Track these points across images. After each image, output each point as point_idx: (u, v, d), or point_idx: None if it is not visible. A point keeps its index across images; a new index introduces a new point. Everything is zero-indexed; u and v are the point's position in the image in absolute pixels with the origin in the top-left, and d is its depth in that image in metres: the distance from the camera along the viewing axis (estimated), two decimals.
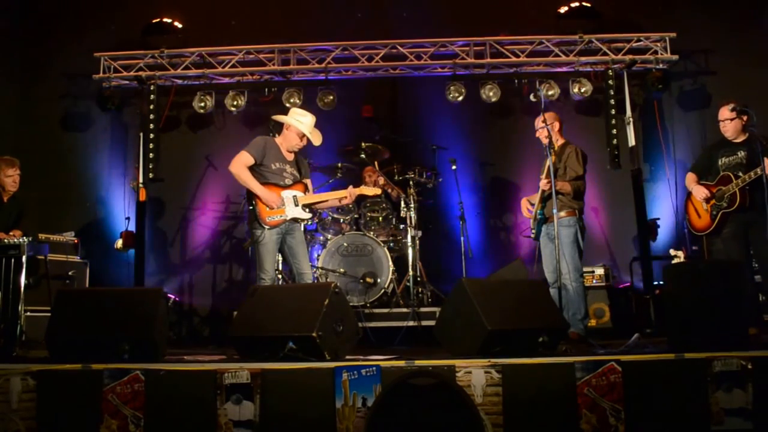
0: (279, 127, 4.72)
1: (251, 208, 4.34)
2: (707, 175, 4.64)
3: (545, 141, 4.63)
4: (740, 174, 4.35)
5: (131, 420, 2.96)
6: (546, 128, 4.44)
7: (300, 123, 4.48)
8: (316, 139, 4.56)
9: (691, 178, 4.72)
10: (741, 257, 4.41)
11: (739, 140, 4.51)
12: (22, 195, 5.14)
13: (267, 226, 4.33)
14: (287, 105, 6.80)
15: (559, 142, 4.78)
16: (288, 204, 4.40)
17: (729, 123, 4.51)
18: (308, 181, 4.66)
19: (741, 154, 4.45)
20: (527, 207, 4.88)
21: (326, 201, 4.72)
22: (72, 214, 6.96)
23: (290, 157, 4.54)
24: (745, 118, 4.45)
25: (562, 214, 4.52)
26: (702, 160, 4.79)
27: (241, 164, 4.34)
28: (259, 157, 4.37)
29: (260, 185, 4.34)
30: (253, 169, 4.39)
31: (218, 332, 6.60)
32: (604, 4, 6.91)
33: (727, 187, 4.40)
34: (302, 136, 4.50)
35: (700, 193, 4.55)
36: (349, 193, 4.60)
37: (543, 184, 4.56)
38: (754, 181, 4.22)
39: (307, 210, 4.49)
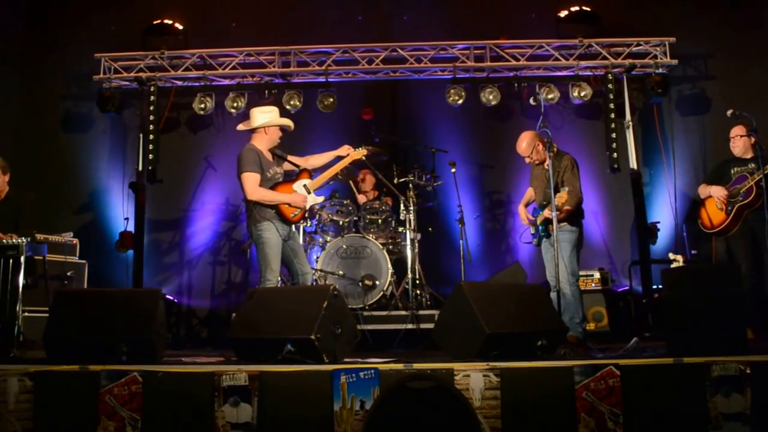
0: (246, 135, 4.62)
1: (275, 211, 4.32)
2: (720, 184, 4.88)
3: (535, 162, 4.72)
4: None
5: (128, 422, 2.95)
6: (541, 154, 4.48)
7: (275, 118, 4.46)
8: (292, 124, 4.57)
9: (704, 187, 4.97)
10: (747, 256, 4.63)
11: (747, 156, 4.82)
12: (18, 196, 4.96)
13: (291, 223, 4.39)
14: (287, 107, 6.82)
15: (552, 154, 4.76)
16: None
17: (738, 140, 4.82)
18: (294, 159, 4.64)
19: (751, 165, 4.74)
20: (527, 216, 4.87)
21: (331, 175, 4.73)
22: (71, 214, 6.96)
23: (270, 156, 4.50)
24: (752, 139, 4.74)
25: (563, 223, 4.53)
26: (714, 173, 5.06)
27: (256, 188, 4.29)
28: (260, 170, 4.34)
29: (282, 194, 4.35)
30: None
31: (217, 334, 6.59)
32: (604, 8, 6.93)
33: (743, 184, 4.67)
34: (281, 127, 4.50)
35: (720, 191, 4.76)
36: (343, 152, 4.63)
37: (547, 213, 4.54)
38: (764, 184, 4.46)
39: (318, 194, 4.57)
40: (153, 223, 7.00)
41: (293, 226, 4.48)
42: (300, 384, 2.98)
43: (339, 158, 4.67)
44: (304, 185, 4.47)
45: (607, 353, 3.72)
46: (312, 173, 4.58)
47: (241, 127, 4.58)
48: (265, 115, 4.45)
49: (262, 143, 4.44)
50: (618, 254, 6.80)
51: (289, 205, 4.35)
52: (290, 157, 4.61)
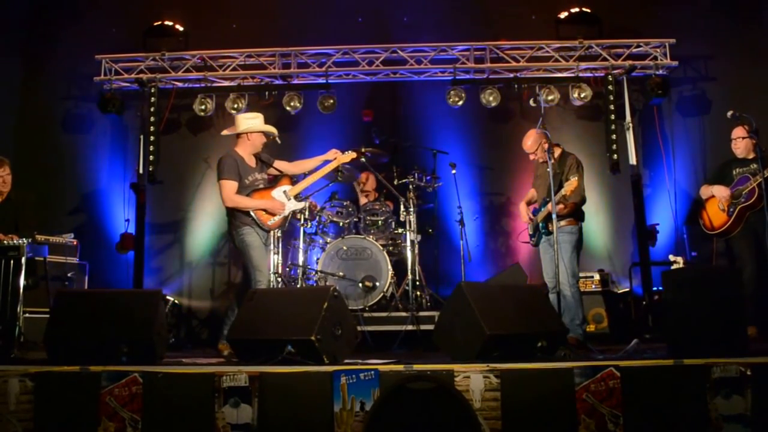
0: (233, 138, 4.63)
1: (251, 217, 4.33)
2: (722, 185, 4.89)
3: (540, 160, 4.70)
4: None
5: (129, 422, 2.96)
6: (546, 153, 4.47)
7: (258, 125, 4.48)
8: (275, 131, 4.59)
9: (706, 187, 4.98)
10: (751, 257, 4.65)
11: (750, 157, 4.83)
12: (18, 197, 5.00)
13: (269, 230, 4.39)
14: (287, 108, 6.84)
15: (555, 153, 4.76)
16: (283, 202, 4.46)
17: (740, 141, 4.83)
18: (281, 165, 4.63)
19: (753, 166, 4.74)
20: (528, 213, 4.87)
21: (314, 180, 4.71)
22: (71, 215, 6.97)
23: (253, 162, 4.52)
24: (754, 141, 4.73)
25: (563, 223, 4.53)
26: (716, 174, 5.06)
27: (232, 195, 4.32)
28: (237, 177, 4.36)
29: (258, 200, 4.36)
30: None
31: (217, 335, 6.58)
32: (604, 9, 6.93)
33: (745, 185, 4.69)
34: (264, 134, 4.52)
35: (723, 191, 4.78)
36: (331, 156, 4.64)
37: (551, 207, 4.54)
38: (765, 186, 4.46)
39: (300, 199, 4.56)
40: (153, 225, 7.00)
41: (271, 233, 4.49)
42: (300, 385, 2.99)
43: (327, 162, 4.69)
44: (284, 191, 4.48)
45: (607, 355, 3.72)
46: (293, 179, 4.59)
47: (225, 132, 4.64)
48: (248, 121, 4.50)
49: (245, 149, 4.48)
50: (618, 256, 6.80)
51: (266, 211, 4.36)
52: (277, 163, 4.63)
